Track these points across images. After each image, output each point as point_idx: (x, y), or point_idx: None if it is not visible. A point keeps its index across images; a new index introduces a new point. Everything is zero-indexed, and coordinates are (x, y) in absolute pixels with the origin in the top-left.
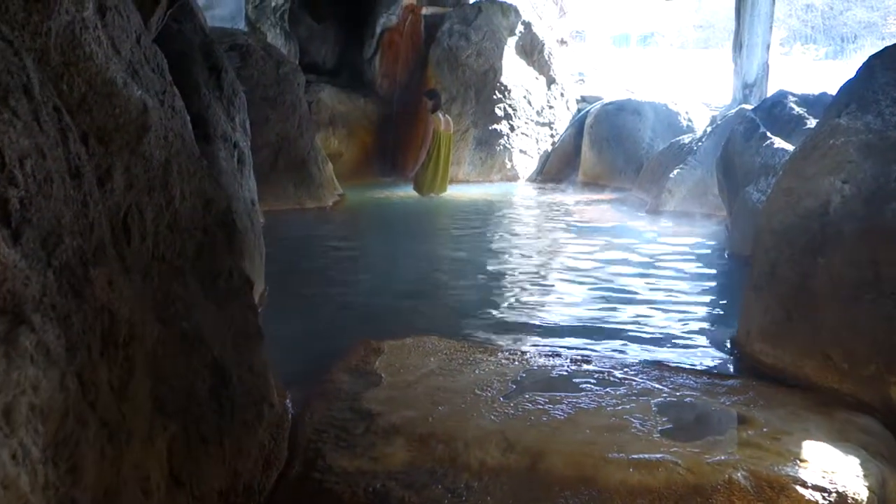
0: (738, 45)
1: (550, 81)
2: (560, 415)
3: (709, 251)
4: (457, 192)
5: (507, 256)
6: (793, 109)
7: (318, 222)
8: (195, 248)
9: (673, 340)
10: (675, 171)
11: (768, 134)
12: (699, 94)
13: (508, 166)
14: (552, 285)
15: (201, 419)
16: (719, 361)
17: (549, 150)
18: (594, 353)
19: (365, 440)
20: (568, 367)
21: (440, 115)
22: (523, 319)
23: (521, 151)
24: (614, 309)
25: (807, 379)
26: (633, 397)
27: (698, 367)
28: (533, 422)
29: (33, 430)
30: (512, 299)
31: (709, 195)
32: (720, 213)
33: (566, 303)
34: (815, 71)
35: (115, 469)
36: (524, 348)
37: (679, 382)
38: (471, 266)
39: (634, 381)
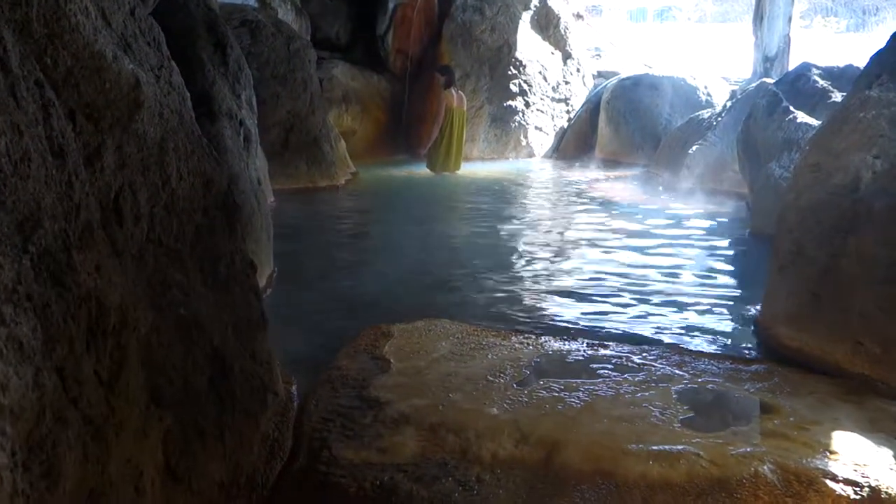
0: (758, 18)
1: (566, 56)
2: (576, 403)
3: (729, 230)
4: (471, 170)
5: (521, 236)
6: (817, 83)
7: (330, 201)
8: (194, 230)
9: (693, 323)
10: (694, 147)
11: (791, 108)
12: (718, 69)
13: (524, 143)
14: (567, 267)
15: (200, 410)
16: (742, 346)
17: (566, 127)
18: (611, 337)
19: (372, 430)
20: (584, 351)
21: (453, 91)
22: (538, 301)
23: (536, 128)
24: (632, 290)
25: (836, 365)
26: (653, 384)
27: (720, 352)
28: (547, 411)
29: (0, 432)
30: (527, 280)
31: (728, 171)
32: (740, 189)
33: (582, 283)
34: (836, 44)
35: (100, 468)
36: (539, 332)
37: (700, 368)
38: (484, 247)
39: (654, 366)
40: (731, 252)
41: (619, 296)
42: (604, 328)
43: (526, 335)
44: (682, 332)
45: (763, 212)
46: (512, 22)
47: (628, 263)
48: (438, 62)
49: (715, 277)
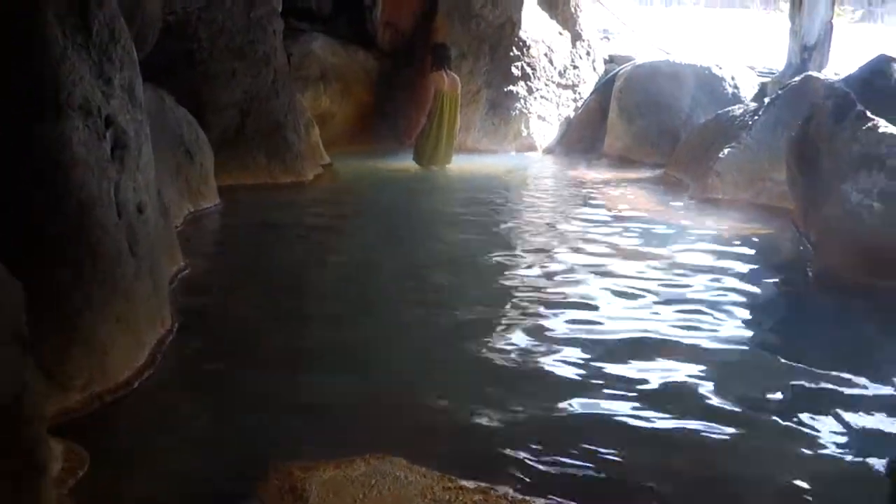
0: (796, 2)
1: (576, 38)
2: None
3: (781, 264)
4: (463, 165)
5: (513, 268)
6: None
7: (288, 206)
8: None
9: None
10: (726, 151)
11: (869, 114)
12: (736, 56)
13: (524, 134)
14: (565, 330)
15: None
16: None
17: (571, 117)
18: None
19: None
20: None
21: (444, 73)
22: (546, 419)
23: (539, 117)
24: (650, 369)
25: None
26: None
27: None
28: None
29: None
30: (516, 354)
31: (767, 181)
32: (781, 203)
33: (582, 364)
34: (852, 33)
35: None
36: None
37: None
38: (463, 288)
39: None
40: (786, 303)
41: (634, 379)
42: (617, 447)
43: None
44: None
45: (834, 248)
46: None
47: (645, 319)
48: (432, 39)
49: (771, 351)
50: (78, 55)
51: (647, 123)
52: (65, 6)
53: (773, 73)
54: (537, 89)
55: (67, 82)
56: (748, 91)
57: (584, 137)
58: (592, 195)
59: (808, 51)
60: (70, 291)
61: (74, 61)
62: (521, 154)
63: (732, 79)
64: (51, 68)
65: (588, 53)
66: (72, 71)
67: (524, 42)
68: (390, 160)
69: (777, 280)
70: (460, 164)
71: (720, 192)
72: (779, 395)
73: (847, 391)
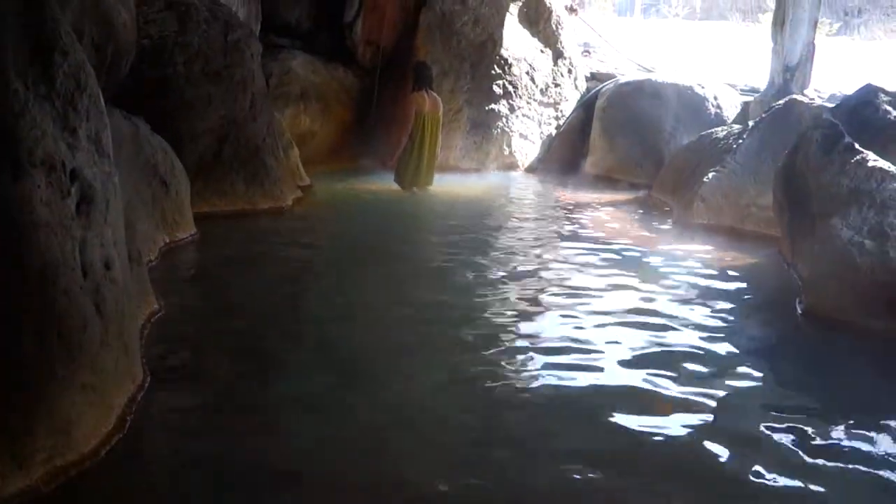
0: (778, 22)
1: (557, 55)
2: None
3: (769, 301)
4: (444, 186)
5: (496, 305)
6: (889, 113)
7: (264, 237)
8: None
9: None
10: (710, 175)
11: (857, 146)
12: (715, 71)
13: (506, 153)
14: (548, 372)
15: None
16: None
17: (553, 135)
18: None
19: None
20: None
21: (425, 93)
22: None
23: (521, 136)
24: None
25: None
26: None
27: None
28: None
29: None
30: (505, 414)
31: (752, 207)
32: (768, 230)
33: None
34: (830, 47)
35: None
36: None
37: None
38: (449, 332)
39: None
40: (774, 342)
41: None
42: None
43: None
44: None
45: (823, 286)
46: (497, 14)
47: (629, 362)
48: (413, 56)
49: (765, 396)
50: (40, 107)
51: (629, 143)
52: (27, 56)
53: (755, 92)
54: (519, 107)
55: (29, 136)
56: (731, 111)
57: (566, 156)
58: (575, 220)
59: (791, 71)
60: (32, 363)
61: (36, 113)
62: (504, 173)
63: (715, 98)
64: (11, 122)
65: (570, 71)
66: (34, 124)
67: (505, 60)
68: (371, 180)
69: (764, 318)
70: (442, 185)
71: (705, 218)
72: (769, 453)
73: (849, 445)
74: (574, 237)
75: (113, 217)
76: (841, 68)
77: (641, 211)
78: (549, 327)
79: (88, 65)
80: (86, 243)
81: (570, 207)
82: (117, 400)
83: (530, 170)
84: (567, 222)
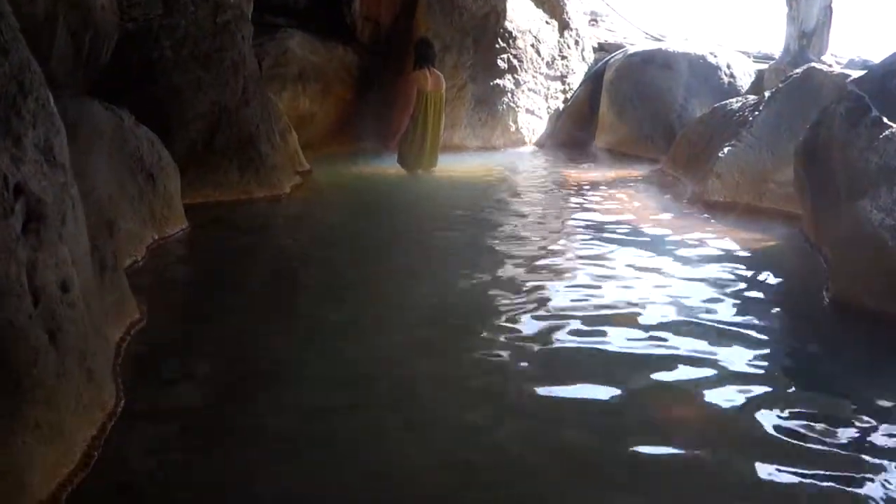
0: None
1: (564, 26)
2: None
3: (793, 287)
4: (449, 166)
5: (505, 296)
6: None
7: (260, 228)
8: None
9: None
10: (726, 150)
11: (886, 121)
12: (726, 38)
13: (513, 129)
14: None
15: None
16: None
17: (561, 110)
18: None
19: None
20: None
21: (427, 71)
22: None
23: (527, 111)
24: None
25: None
26: None
27: None
28: None
29: None
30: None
31: (770, 184)
32: (786, 207)
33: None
34: (846, 6)
35: None
36: None
37: None
38: (450, 333)
39: None
40: (801, 334)
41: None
42: None
43: None
44: None
45: (853, 272)
46: None
47: (642, 357)
48: (413, 31)
49: (787, 395)
50: None
51: (639, 116)
52: None
53: (769, 59)
54: (525, 82)
55: None
56: (744, 80)
57: (574, 131)
58: (585, 196)
59: (807, 36)
60: None
61: None
62: (511, 150)
63: (728, 67)
64: None
65: (577, 42)
66: None
67: (510, 33)
68: (373, 163)
69: (789, 306)
70: (447, 165)
71: (720, 194)
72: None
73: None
74: (585, 219)
75: (71, 232)
76: (860, 30)
77: (654, 188)
78: (562, 306)
79: (35, 63)
80: (36, 266)
81: (580, 186)
82: (80, 434)
83: (538, 145)
84: (577, 204)
